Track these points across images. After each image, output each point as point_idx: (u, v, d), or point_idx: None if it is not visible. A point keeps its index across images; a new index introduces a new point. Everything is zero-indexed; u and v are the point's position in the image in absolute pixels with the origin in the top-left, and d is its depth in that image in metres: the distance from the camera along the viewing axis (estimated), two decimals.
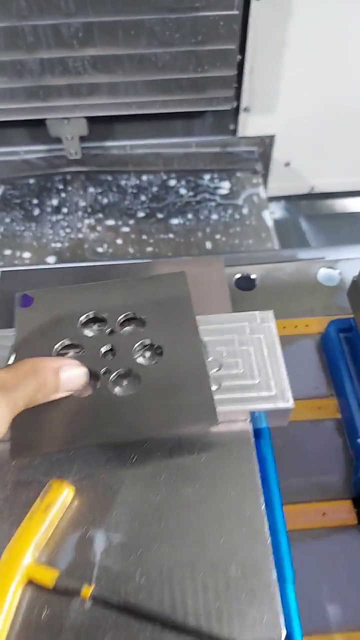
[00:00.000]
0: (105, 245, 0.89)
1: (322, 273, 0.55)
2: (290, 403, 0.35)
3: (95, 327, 0.40)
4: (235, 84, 0.86)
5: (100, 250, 0.89)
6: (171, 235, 0.90)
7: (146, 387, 0.35)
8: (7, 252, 0.87)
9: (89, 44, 0.77)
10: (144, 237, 0.90)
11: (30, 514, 0.32)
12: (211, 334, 0.39)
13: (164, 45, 0.78)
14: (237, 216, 0.93)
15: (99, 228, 0.91)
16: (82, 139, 0.92)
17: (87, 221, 0.91)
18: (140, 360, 0.38)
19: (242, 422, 0.37)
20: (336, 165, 1.03)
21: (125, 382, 0.37)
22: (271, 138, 0.96)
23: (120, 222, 0.91)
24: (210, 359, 0.38)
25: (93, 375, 0.36)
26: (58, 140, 0.92)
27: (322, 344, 0.50)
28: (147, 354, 0.38)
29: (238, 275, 0.55)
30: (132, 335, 0.38)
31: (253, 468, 0.34)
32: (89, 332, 0.39)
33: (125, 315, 0.39)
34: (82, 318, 0.39)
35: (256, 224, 0.92)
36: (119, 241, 0.90)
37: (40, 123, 0.89)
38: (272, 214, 1.03)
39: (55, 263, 0.87)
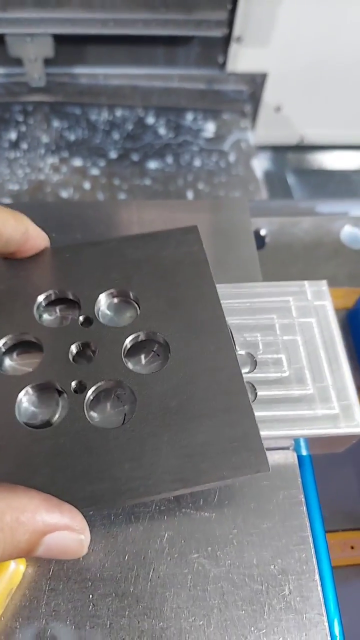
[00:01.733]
0: (71, 190, 0.78)
1: (347, 232, 0.45)
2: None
3: (59, 312, 0.27)
4: (230, 5, 0.74)
5: (64, 195, 0.78)
6: (148, 182, 0.79)
7: (146, 412, 0.23)
8: None
9: None
10: (117, 182, 0.79)
11: None
12: (238, 313, 0.27)
13: None
14: (222, 164, 0.82)
15: (63, 169, 0.79)
16: (47, 62, 0.80)
17: (50, 160, 0.79)
18: (133, 366, 0.25)
19: (284, 450, 0.25)
20: (329, 115, 0.94)
21: (109, 404, 0.24)
22: (263, 77, 0.86)
23: (89, 163, 0.80)
24: (238, 352, 0.26)
25: (56, 391, 0.25)
26: (18, 63, 0.79)
27: (349, 322, 0.40)
28: (144, 356, 0.26)
29: None
30: (119, 327, 0.26)
31: (302, 523, 0.23)
32: (50, 321, 0.27)
33: (109, 294, 0.27)
34: (41, 299, 0.26)
35: (244, 174, 0.82)
36: (87, 185, 0.78)
37: None
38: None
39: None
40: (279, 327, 0.26)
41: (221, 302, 0.26)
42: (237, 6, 0.76)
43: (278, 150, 0.98)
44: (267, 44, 0.82)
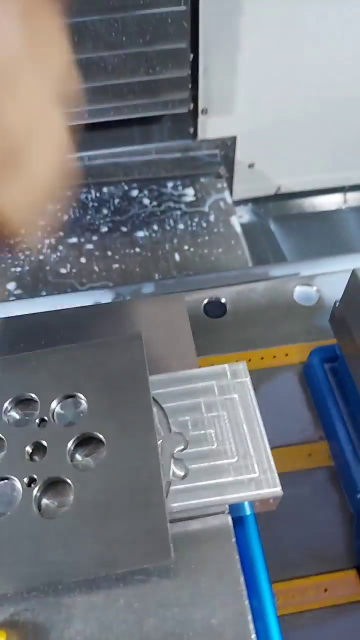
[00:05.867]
0: (69, 265, 0.85)
1: (299, 291, 0.50)
2: (279, 488, 0.29)
3: (22, 411, 0.32)
4: (190, 85, 0.81)
5: (63, 271, 0.84)
6: (137, 249, 0.86)
7: (80, 505, 0.27)
8: None
9: None
10: (109, 253, 0.86)
11: None
12: (172, 398, 0.32)
13: (111, 48, 0.73)
14: (204, 224, 0.89)
15: (60, 247, 0.86)
16: None
17: (47, 241, 0.86)
18: (80, 457, 0.30)
19: (220, 515, 0.29)
20: (300, 164, 1.00)
21: (52, 495, 0.29)
22: (232, 139, 0.93)
23: (82, 239, 0.87)
24: (166, 433, 0.31)
25: (14, 484, 0.29)
26: None
27: (305, 375, 0.45)
28: (85, 451, 0.30)
29: (206, 301, 0.50)
30: (69, 426, 0.31)
31: (236, 578, 0.27)
32: (12, 418, 0.32)
33: (63, 397, 0.32)
34: (7, 404, 0.31)
35: (224, 231, 0.88)
36: (83, 260, 0.85)
37: None
38: (240, 217, 1.00)
39: (15, 290, 0.81)
40: (204, 406, 0.31)
41: (159, 390, 0.31)
42: (198, 82, 0.83)
43: (258, 201, 1.04)
44: (231, 111, 0.89)
